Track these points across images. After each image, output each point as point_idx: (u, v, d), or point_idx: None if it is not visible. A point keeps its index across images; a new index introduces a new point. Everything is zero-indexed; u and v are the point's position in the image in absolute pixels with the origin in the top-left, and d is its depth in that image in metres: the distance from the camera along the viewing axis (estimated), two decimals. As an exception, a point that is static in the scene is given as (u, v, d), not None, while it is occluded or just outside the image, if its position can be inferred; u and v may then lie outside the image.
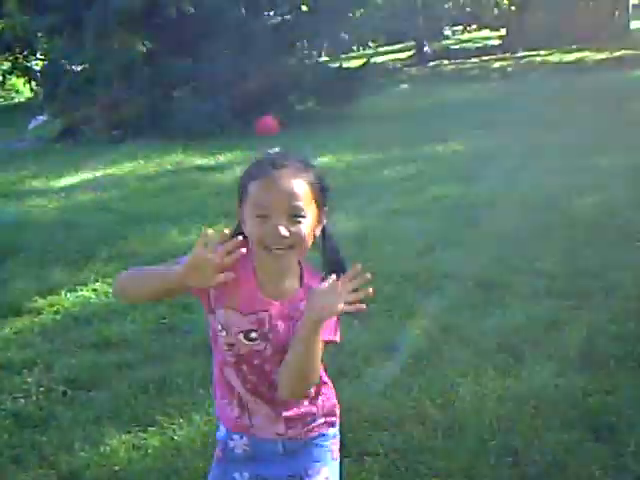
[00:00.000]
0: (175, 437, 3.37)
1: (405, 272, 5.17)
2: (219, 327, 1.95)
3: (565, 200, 6.75)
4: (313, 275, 1.96)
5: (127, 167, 10.70)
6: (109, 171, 10.50)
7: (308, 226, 1.85)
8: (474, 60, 26.03)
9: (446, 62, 26.74)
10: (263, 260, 1.90)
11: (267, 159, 1.90)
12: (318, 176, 1.91)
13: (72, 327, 4.79)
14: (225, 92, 12.67)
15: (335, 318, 1.89)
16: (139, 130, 13.09)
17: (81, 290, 5.38)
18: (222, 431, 2.13)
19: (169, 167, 10.26)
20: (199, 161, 10.62)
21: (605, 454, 2.96)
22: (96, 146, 12.70)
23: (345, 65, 18.39)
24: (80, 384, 3.98)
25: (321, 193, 1.90)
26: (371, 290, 1.82)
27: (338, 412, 2.11)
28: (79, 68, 15.67)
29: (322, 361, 1.90)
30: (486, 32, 32.72)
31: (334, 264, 1.94)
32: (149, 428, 3.45)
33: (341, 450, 2.14)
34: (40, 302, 5.20)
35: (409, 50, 31.32)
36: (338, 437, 2.12)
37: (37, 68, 26.14)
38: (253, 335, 1.92)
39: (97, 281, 5.51)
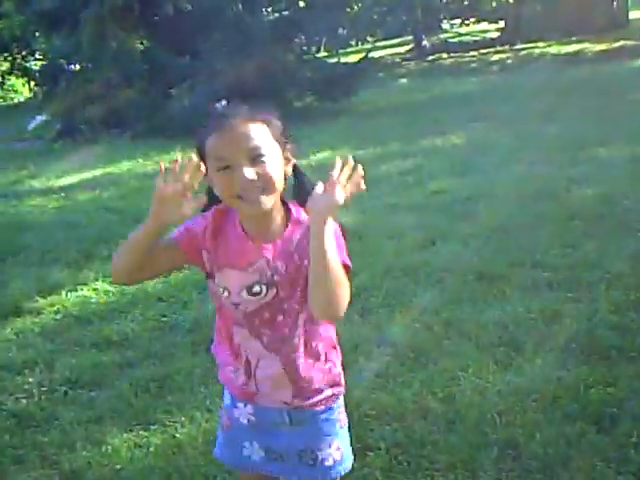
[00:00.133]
0: (177, 435, 3.37)
1: (405, 266, 5.16)
2: (220, 290, 1.95)
3: (565, 191, 6.74)
4: (299, 210, 1.95)
5: (126, 166, 10.71)
6: (108, 170, 10.50)
7: (274, 165, 1.84)
8: (473, 53, 25.97)
9: (445, 56, 26.69)
10: (243, 212, 1.90)
11: (216, 112, 1.90)
12: (274, 116, 1.90)
13: (73, 327, 4.79)
14: (223, 89, 12.63)
15: (343, 243, 1.88)
16: (138, 128, 13.09)
17: (81, 290, 5.39)
18: (227, 399, 2.13)
19: (168, 165, 10.23)
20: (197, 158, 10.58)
21: (607, 446, 2.95)
22: (95, 145, 12.70)
23: (343, 60, 18.39)
24: (81, 384, 3.98)
25: (280, 131, 1.90)
26: (361, 169, 1.87)
27: (343, 380, 2.10)
28: (77, 67, 15.68)
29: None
30: (484, 25, 32.65)
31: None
32: (151, 427, 3.46)
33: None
34: (40, 302, 5.20)
35: (407, 44, 31.25)
36: (343, 404, 2.12)
37: (36, 68, 26.14)
38: (256, 289, 1.90)
39: (97, 280, 5.52)
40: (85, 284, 5.49)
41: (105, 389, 3.91)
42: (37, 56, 27.37)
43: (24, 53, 29.71)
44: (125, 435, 3.41)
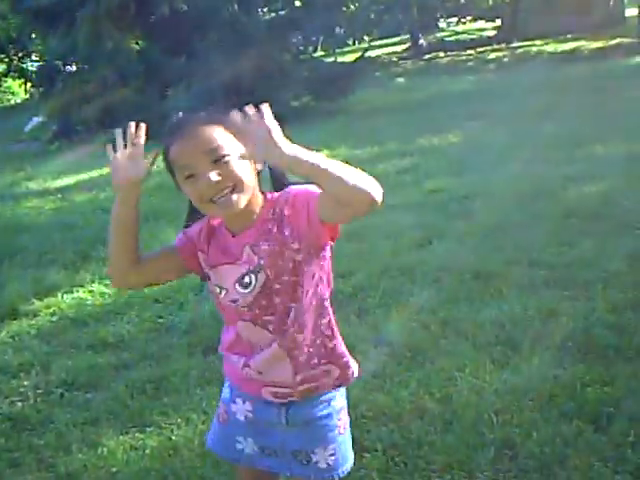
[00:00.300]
0: (173, 437, 3.35)
1: (402, 265, 5.15)
2: (217, 290, 1.96)
3: (562, 190, 6.74)
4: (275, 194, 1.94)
5: (123, 167, 10.67)
6: (105, 171, 10.47)
7: (240, 163, 1.82)
8: (469, 52, 26.00)
9: (441, 54, 26.71)
10: (219, 215, 1.92)
11: (175, 123, 1.92)
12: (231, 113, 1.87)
13: (69, 329, 4.78)
14: (219, 89, 12.63)
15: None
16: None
17: (77, 291, 5.38)
18: (226, 392, 2.13)
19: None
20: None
21: (604, 445, 2.94)
22: (91, 146, 12.68)
23: (340, 59, 18.39)
24: (77, 386, 3.97)
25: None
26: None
27: (352, 366, 2.07)
28: (73, 68, 15.67)
29: None
30: (481, 23, 32.68)
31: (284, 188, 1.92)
32: (146, 429, 3.44)
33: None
34: (37, 304, 5.20)
35: (404, 43, 31.29)
36: (345, 409, 2.09)
37: (32, 69, 26.14)
38: (246, 280, 1.89)
39: (93, 282, 5.52)
40: (81, 286, 5.48)
41: (101, 391, 3.89)
42: (33, 57, 27.38)
43: (20, 54, 29.72)
44: (121, 437, 3.40)
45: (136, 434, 3.41)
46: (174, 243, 2.01)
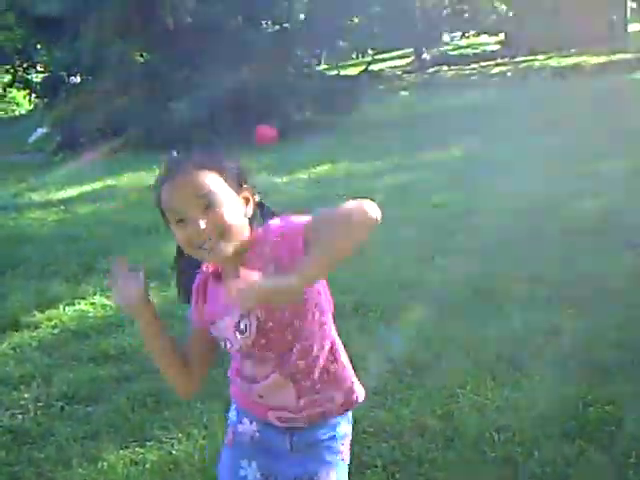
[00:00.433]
0: (173, 451, 3.34)
1: (403, 281, 5.15)
2: (222, 343, 1.96)
3: (565, 206, 6.74)
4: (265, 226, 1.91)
5: (126, 179, 10.72)
6: (108, 183, 10.51)
7: (229, 211, 1.81)
8: (473, 66, 26.10)
9: (445, 68, 26.82)
10: (207, 261, 1.92)
11: (167, 164, 1.91)
12: (224, 160, 1.88)
13: (70, 341, 4.78)
14: (224, 102, 12.68)
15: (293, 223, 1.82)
16: (138, 141, 13.11)
17: (79, 304, 5.38)
18: (233, 415, 2.11)
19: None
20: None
21: (606, 466, 2.93)
22: (95, 158, 12.71)
23: (343, 73, 18.45)
24: (78, 399, 3.96)
25: (231, 175, 1.87)
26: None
27: (358, 391, 2.04)
28: (77, 79, 15.73)
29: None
30: (485, 37, 32.80)
31: None
32: (147, 443, 3.43)
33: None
34: (38, 316, 5.19)
35: (408, 57, 31.39)
36: (349, 437, 2.06)
37: (37, 80, 26.20)
38: (242, 326, 1.88)
39: (95, 294, 5.51)
40: (83, 298, 5.48)
41: (102, 404, 3.89)
42: (38, 68, 27.45)
43: (25, 65, 29.79)
44: (121, 451, 3.39)
45: (136, 448, 3.40)
46: (192, 321, 2.03)
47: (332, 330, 1.99)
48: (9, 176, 12.16)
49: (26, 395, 4.03)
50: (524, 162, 8.81)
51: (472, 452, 3.10)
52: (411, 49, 31.05)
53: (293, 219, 1.82)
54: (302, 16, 17.24)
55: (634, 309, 4.35)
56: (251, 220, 1.90)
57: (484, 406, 3.45)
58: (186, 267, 2.02)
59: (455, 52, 31.48)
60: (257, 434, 2.04)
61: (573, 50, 24.67)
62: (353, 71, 19.14)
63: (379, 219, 1.72)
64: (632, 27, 27.77)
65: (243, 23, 15.25)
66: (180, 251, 1.98)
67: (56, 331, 4.97)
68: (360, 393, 2.05)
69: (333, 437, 2.01)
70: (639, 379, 3.56)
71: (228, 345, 1.94)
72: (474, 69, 25.33)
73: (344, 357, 2.01)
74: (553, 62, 23.59)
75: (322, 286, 1.94)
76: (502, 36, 29.68)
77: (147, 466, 3.25)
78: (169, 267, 2.08)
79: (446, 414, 3.42)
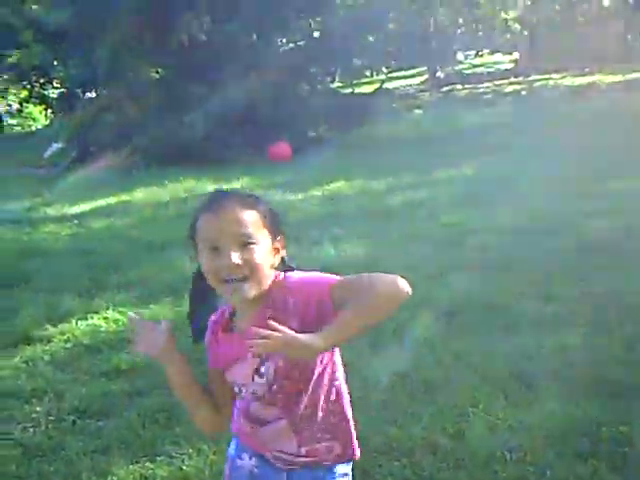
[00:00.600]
0: (183, 467, 3.34)
1: (415, 298, 5.09)
2: (236, 389, 1.98)
3: (578, 224, 6.71)
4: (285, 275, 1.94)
5: (140, 194, 10.75)
6: (122, 198, 10.55)
7: (261, 253, 1.84)
8: (487, 84, 26.12)
9: (459, 87, 26.85)
10: (226, 298, 1.92)
11: (213, 195, 1.93)
12: (267, 206, 1.91)
13: (83, 355, 4.78)
14: (237, 118, 12.73)
15: (316, 279, 1.87)
16: (152, 157, 13.16)
17: (92, 318, 5.38)
18: (232, 449, 2.11)
19: (182, 194, 10.28)
20: (212, 187, 10.60)
21: (619, 486, 2.91)
22: (109, 173, 12.77)
23: (358, 91, 18.47)
24: (90, 413, 3.96)
25: (272, 222, 1.90)
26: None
27: (357, 448, 2.03)
28: (93, 95, 15.85)
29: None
30: (499, 56, 32.84)
31: None
32: (157, 458, 3.43)
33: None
34: (51, 330, 5.20)
35: (422, 75, 31.45)
36: (349, 477, 2.05)
37: (53, 96, 26.42)
38: (262, 370, 1.90)
39: (108, 309, 5.52)
40: (96, 312, 5.49)
41: (113, 419, 3.89)
42: (55, 84, 27.69)
43: (42, 81, 30.05)
44: (131, 467, 3.38)
45: (147, 463, 3.40)
46: (209, 364, 2.05)
47: (342, 383, 2.00)
48: (24, 190, 12.22)
49: (38, 409, 4.03)
50: (538, 181, 8.79)
51: (483, 472, 3.08)
52: (425, 67, 31.11)
53: (315, 276, 1.86)
54: (317, 34, 17.29)
55: (648, 329, 4.32)
56: (275, 270, 1.92)
57: (495, 425, 3.43)
58: (199, 308, 2.07)
59: (469, 70, 31.53)
60: (255, 470, 2.04)
61: (587, 69, 24.65)
62: (367, 89, 19.16)
63: (409, 294, 1.79)
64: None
65: (257, 40, 15.33)
66: (196, 292, 2.02)
67: (68, 345, 4.98)
68: (357, 450, 2.04)
69: (332, 477, 2.01)
70: (653, 399, 3.53)
71: (243, 391, 1.96)
72: (488, 88, 25.35)
73: (348, 410, 2.02)
74: (567, 81, 23.58)
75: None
76: (516, 55, 29.71)
77: (157, 481, 3.25)
78: (183, 283, 2.08)
79: (457, 432, 3.40)
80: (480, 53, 35.01)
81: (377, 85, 17.33)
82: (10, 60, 26.27)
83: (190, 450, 3.46)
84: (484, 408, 3.58)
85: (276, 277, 1.91)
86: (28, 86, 30.98)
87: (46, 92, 28.97)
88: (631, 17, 27.31)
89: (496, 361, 4.07)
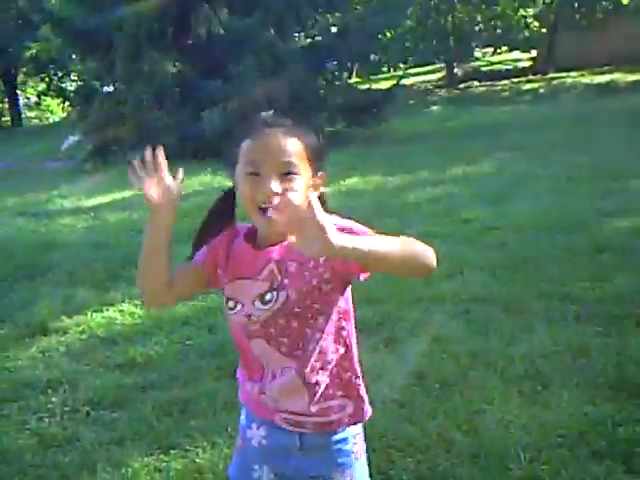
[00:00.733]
0: (197, 460, 3.34)
1: (432, 295, 5.12)
2: (231, 303, 1.91)
3: (596, 223, 6.67)
4: None
5: (156, 187, 10.75)
6: (138, 191, 10.56)
7: (301, 186, 1.81)
8: (504, 82, 26.00)
9: (476, 84, 26.74)
10: (257, 225, 1.87)
11: (260, 118, 1.89)
12: (314, 138, 1.87)
13: (98, 347, 4.81)
14: (254, 112, 12.74)
15: (352, 225, 1.79)
16: (169, 150, 13.15)
17: (107, 310, 5.41)
18: (243, 419, 2.09)
19: (198, 187, 10.29)
20: (228, 182, 10.62)
21: (635, 486, 2.89)
22: (126, 166, 12.80)
23: (375, 86, 18.46)
24: (104, 405, 3.98)
25: (316, 155, 1.86)
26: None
27: (367, 403, 2.01)
28: (110, 89, 15.91)
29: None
30: (517, 54, 32.66)
31: None
32: (171, 451, 3.43)
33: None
34: (67, 321, 5.23)
35: (439, 72, 31.34)
36: (362, 436, 2.03)
37: (71, 89, 26.57)
38: (268, 297, 1.85)
39: (123, 302, 5.54)
40: (111, 305, 5.51)
41: (127, 411, 3.89)
42: (72, 77, 27.86)
43: (60, 74, 30.23)
44: (146, 459, 3.39)
45: (160, 456, 3.40)
46: (198, 258, 1.97)
47: (352, 338, 1.97)
48: (41, 183, 12.30)
49: (53, 399, 4.05)
50: (555, 179, 8.76)
51: (498, 469, 3.06)
52: (443, 64, 31.00)
53: (351, 225, 1.78)
54: (334, 29, 17.28)
55: (665, 329, 4.29)
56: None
57: (511, 423, 3.41)
58: (213, 229, 1.98)
59: (487, 68, 31.39)
60: (264, 441, 2.01)
61: (606, 67, 24.49)
62: (384, 85, 19.14)
63: (435, 269, 1.75)
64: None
65: (275, 35, 15.33)
66: (216, 211, 1.97)
67: (84, 337, 5.01)
68: (368, 408, 2.02)
69: (345, 439, 1.98)
70: (670, 400, 3.50)
71: (237, 308, 1.90)
72: (506, 85, 25.25)
73: (358, 367, 1.99)
74: (586, 79, 23.44)
75: (348, 293, 1.93)
76: (534, 52, 29.54)
77: (171, 474, 3.25)
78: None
79: (472, 430, 3.38)
80: (498, 50, 34.79)
81: (394, 81, 17.29)
82: (29, 53, 26.49)
83: (204, 443, 3.46)
84: (499, 406, 3.56)
85: None
86: (46, 79, 31.17)
87: (64, 85, 29.15)
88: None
89: (512, 359, 4.05)
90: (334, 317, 1.90)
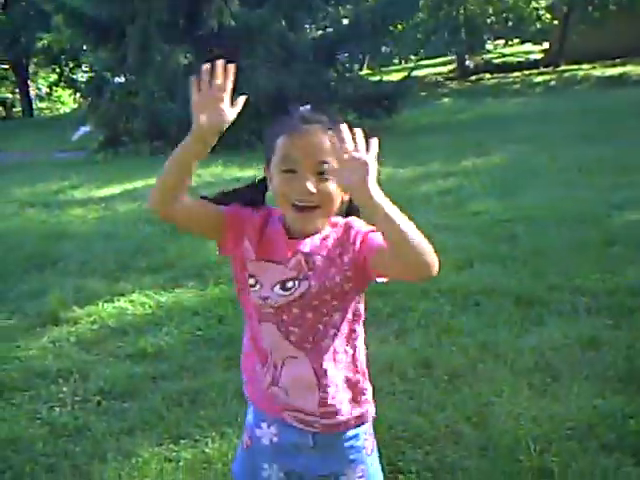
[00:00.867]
0: (207, 450, 3.35)
1: (442, 288, 5.11)
2: (252, 281, 1.89)
3: (606, 216, 6.65)
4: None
5: (167, 178, 10.77)
6: (149, 182, 10.58)
7: (336, 188, 1.81)
8: (516, 74, 25.91)
9: (488, 76, 26.66)
10: (290, 220, 1.87)
11: (297, 114, 1.87)
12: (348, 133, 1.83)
13: (108, 337, 4.82)
14: (265, 104, 12.72)
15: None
16: (180, 141, 13.19)
17: (118, 301, 5.42)
18: (250, 417, 2.08)
19: (209, 179, 10.30)
20: (239, 173, 10.67)
21: (644, 479, 2.88)
22: (137, 157, 12.83)
23: (386, 78, 18.42)
24: (114, 394, 3.99)
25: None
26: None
27: (373, 403, 2.01)
28: (122, 80, 15.93)
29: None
30: (528, 46, 32.53)
31: None
32: (181, 441, 3.45)
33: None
34: (77, 312, 5.25)
35: (451, 64, 31.26)
36: (371, 431, 2.03)
37: (82, 80, 26.63)
38: (289, 284, 1.85)
39: (134, 292, 5.56)
40: (122, 295, 5.53)
41: (138, 401, 3.91)
42: (84, 68, 27.92)
43: (71, 65, 30.30)
44: (156, 448, 3.40)
45: (170, 445, 3.42)
46: (229, 210, 1.92)
47: (361, 342, 1.97)
48: (52, 173, 12.33)
49: (64, 389, 4.07)
50: (566, 171, 8.73)
51: (507, 461, 3.06)
52: (454, 56, 30.91)
53: (375, 235, 1.80)
54: (345, 21, 17.25)
55: (676, 322, 4.27)
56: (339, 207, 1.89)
57: (520, 415, 3.41)
58: (247, 198, 1.96)
59: (498, 60, 31.27)
60: (275, 438, 2.00)
61: (618, 60, 24.36)
62: (396, 76, 19.10)
63: (435, 274, 1.71)
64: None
65: (286, 26, 15.31)
66: (245, 192, 1.96)
67: (95, 327, 5.02)
68: (373, 409, 2.02)
69: (356, 435, 1.98)
70: (680, 393, 3.50)
71: (257, 287, 1.88)
72: (517, 77, 25.15)
73: (365, 370, 1.99)
74: (597, 72, 23.33)
75: (363, 298, 1.95)
76: (546, 45, 29.41)
77: (181, 464, 3.27)
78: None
79: (481, 422, 3.39)
80: (510, 42, 34.65)
81: (405, 73, 17.25)
82: (40, 44, 26.54)
83: (214, 433, 3.47)
84: (508, 398, 3.56)
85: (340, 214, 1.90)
86: (57, 70, 31.24)
87: (75, 76, 29.22)
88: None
89: (522, 352, 4.04)
90: (349, 316, 1.91)
